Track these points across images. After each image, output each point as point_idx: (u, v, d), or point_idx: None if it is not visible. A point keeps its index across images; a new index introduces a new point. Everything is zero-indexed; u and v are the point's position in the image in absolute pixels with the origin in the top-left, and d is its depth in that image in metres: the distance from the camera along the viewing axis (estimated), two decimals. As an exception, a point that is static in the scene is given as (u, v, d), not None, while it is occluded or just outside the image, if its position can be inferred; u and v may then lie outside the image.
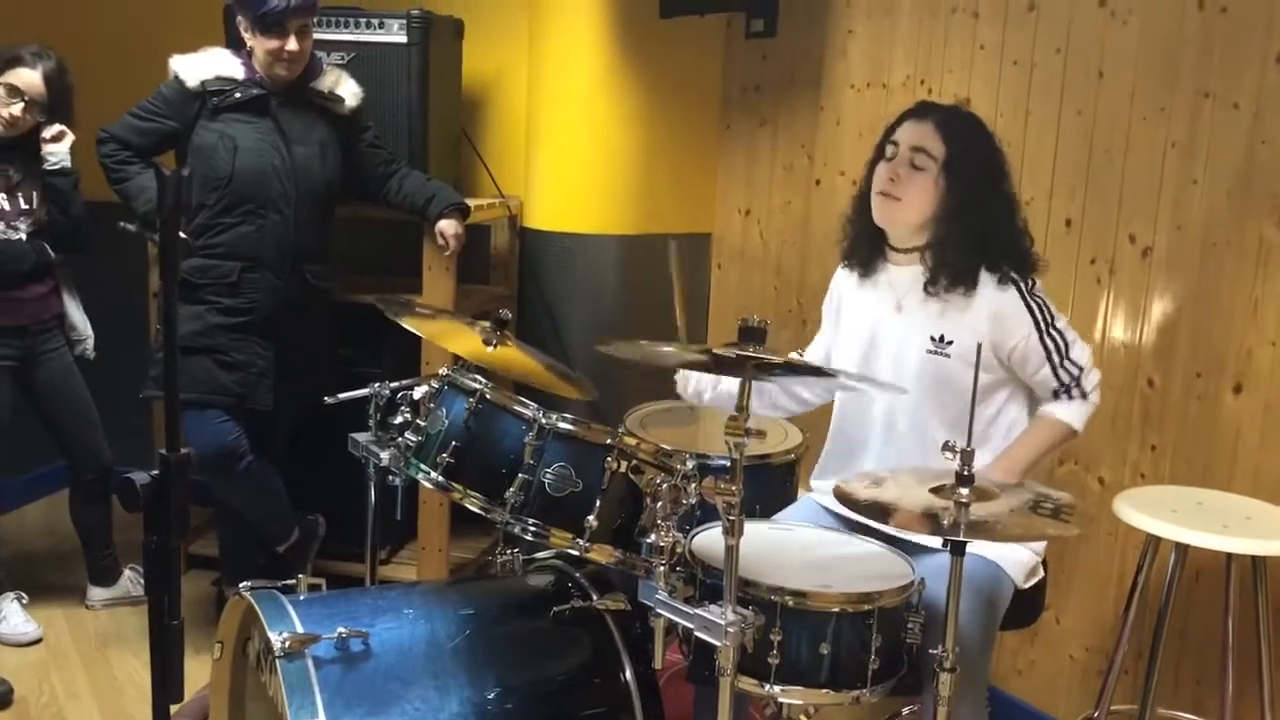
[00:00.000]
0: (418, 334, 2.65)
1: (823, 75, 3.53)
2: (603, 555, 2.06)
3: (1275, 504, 2.40)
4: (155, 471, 1.62)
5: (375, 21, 3.40)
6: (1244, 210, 2.51)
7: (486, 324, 2.49)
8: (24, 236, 3.21)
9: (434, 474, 2.11)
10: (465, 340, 2.51)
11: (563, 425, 2.06)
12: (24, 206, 3.21)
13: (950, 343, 2.29)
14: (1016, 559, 2.29)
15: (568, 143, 3.74)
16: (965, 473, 1.90)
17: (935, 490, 1.96)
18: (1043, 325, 2.29)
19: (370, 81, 3.30)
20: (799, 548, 2.22)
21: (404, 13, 3.39)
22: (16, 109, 3.11)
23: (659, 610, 1.92)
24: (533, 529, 2.05)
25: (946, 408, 2.30)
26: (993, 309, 2.28)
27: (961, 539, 1.84)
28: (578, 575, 2.37)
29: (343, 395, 2.56)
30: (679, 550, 1.99)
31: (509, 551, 2.49)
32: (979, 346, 2.06)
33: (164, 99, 3.08)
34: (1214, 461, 2.59)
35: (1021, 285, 2.29)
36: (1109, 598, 2.83)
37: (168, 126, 3.08)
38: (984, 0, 3.02)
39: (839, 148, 3.49)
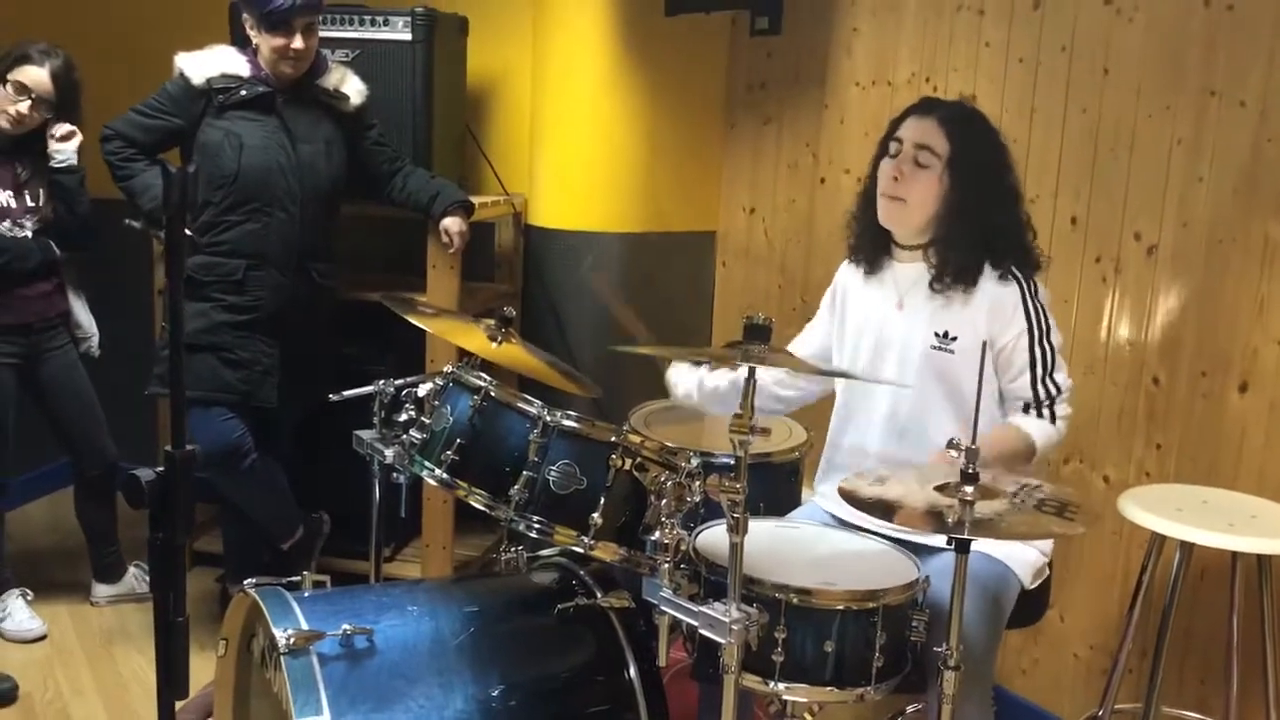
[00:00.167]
0: (422, 330, 2.64)
1: (827, 73, 3.53)
2: (607, 553, 2.06)
3: (1280, 503, 2.40)
4: (160, 468, 1.62)
5: (380, 19, 3.40)
6: (1250, 208, 2.51)
7: (491, 321, 2.50)
8: (30, 234, 3.21)
9: (438, 471, 2.11)
10: (469, 338, 2.51)
11: (567, 423, 2.06)
12: (30, 204, 3.22)
13: (954, 339, 2.29)
14: (1024, 559, 2.28)
15: (572, 140, 3.74)
16: (970, 470, 1.90)
17: (939, 488, 1.96)
18: (1037, 332, 2.26)
19: (375, 79, 3.30)
20: (803, 545, 2.22)
21: (409, 10, 3.39)
22: (24, 107, 3.12)
23: (663, 608, 1.92)
24: (537, 526, 2.05)
25: (949, 404, 2.30)
26: (992, 303, 2.27)
27: (966, 537, 1.84)
28: (582, 573, 2.37)
29: (347, 393, 2.56)
30: (683, 548, 1.99)
31: (513, 549, 2.49)
32: (984, 345, 2.05)
33: (169, 96, 3.08)
34: (1219, 460, 2.58)
35: (1024, 286, 2.28)
36: (1113, 596, 2.83)
37: (173, 124, 3.09)
38: (989, -2, 3.02)
39: (844, 146, 3.49)
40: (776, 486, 2.69)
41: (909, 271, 2.37)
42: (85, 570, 3.61)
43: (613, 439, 2.06)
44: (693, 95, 3.77)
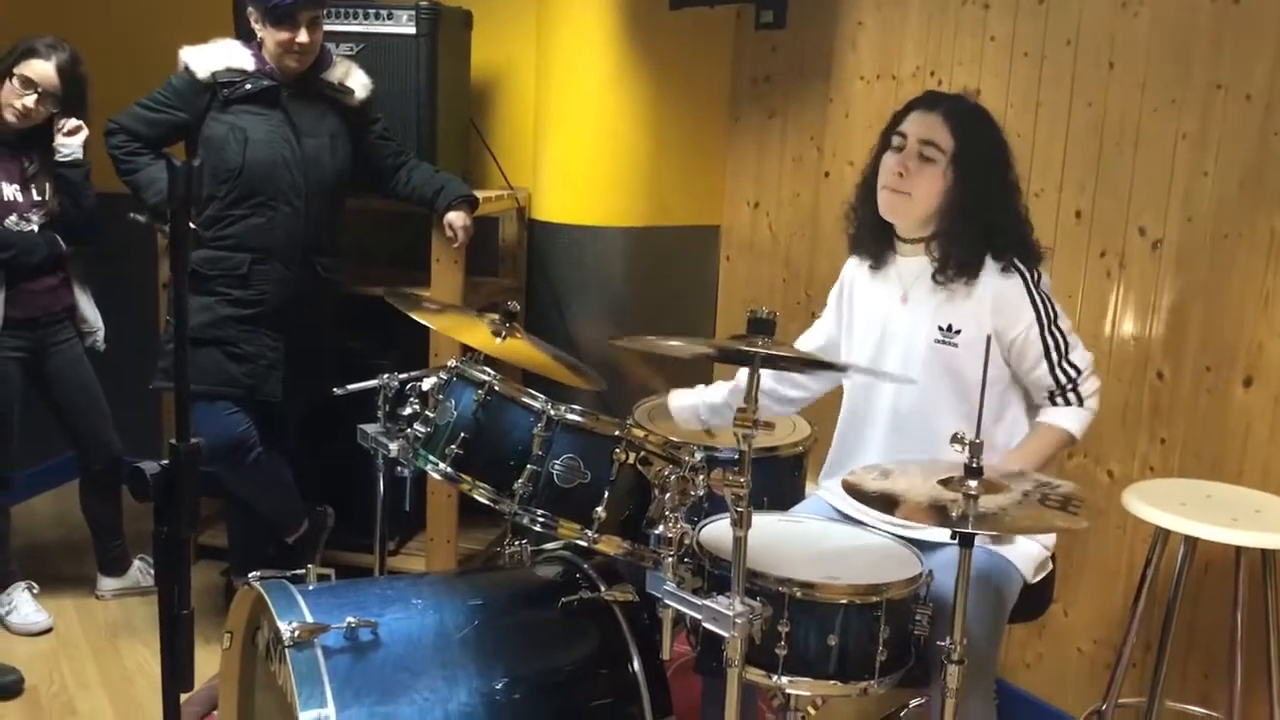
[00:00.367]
0: (427, 325, 2.65)
1: (832, 67, 3.52)
2: (611, 546, 2.06)
3: (1285, 497, 2.40)
4: (165, 461, 1.63)
5: (384, 13, 3.40)
6: (1256, 202, 2.50)
7: (495, 316, 2.50)
8: (36, 228, 3.22)
9: (442, 465, 2.11)
10: (474, 332, 2.51)
11: (571, 417, 2.06)
12: (37, 198, 3.23)
13: (958, 332, 2.28)
14: (1026, 553, 2.28)
15: (576, 134, 3.74)
16: (974, 465, 1.90)
17: (944, 482, 1.96)
18: (1045, 320, 2.27)
19: (379, 73, 3.30)
20: (807, 539, 2.22)
21: (413, 4, 3.39)
22: (30, 100, 3.12)
23: (667, 601, 1.93)
24: (541, 520, 2.05)
25: (954, 398, 2.29)
26: (996, 296, 2.26)
27: (970, 531, 1.84)
28: (586, 566, 2.37)
29: (352, 386, 2.56)
30: (687, 541, 1.99)
31: (517, 542, 2.49)
32: (989, 339, 2.05)
33: (174, 90, 3.08)
34: (1224, 455, 2.58)
35: (1027, 276, 2.28)
36: (1117, 591, 2.82)
37: (178, 118, 3.09)
38: (994, -9, 3.01)
39: (848, 140, 3.48)
40: (780, 480, 2.69)
41: (912, 265, 2.36)
42: (90, 564, 3.62)
43: (617, 433, 2.06)
44: (697, 89, 3.77)
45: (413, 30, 3.39)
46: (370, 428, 2.49)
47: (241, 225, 3.06)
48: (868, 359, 2.41)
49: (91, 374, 3.41)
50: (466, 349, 2.49)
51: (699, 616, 1.86)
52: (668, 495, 2.00)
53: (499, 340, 2.46)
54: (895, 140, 2.33)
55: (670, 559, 1.94)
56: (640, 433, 2.09)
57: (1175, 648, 2.54)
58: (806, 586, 1.93)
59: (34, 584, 3.45)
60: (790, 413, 2.74)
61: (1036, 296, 2.27)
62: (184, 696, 1.73)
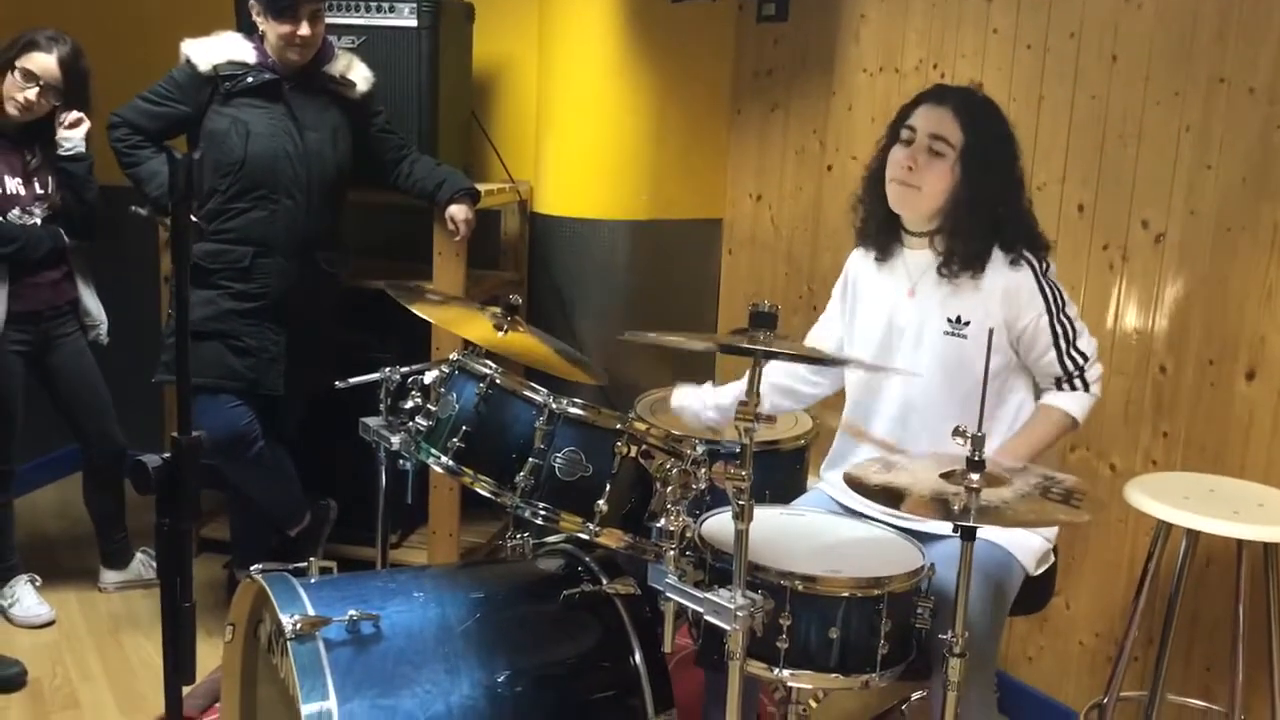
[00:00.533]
0: (428, 319, 2.65)
1: (834, 60, 3.52)
2: (612, 539, 2.06)
3: (1287, 491, 2.39)
4: (167, 454, 1.63)
5: (386, 5, 3.39)
6: (1258, 196, 2.50)
7: (497, 309, 2.50)
8: (39, 222, 3.22)
9: (444, 458, 2.11)
10: (475, 325, 2.51)
11: (573, 410, 2.06)
12: (39, 192, 3.23)
13: (967, 323, 2.29)
14: (1028, 545, 2.28)
15: (578, 127, 3.73)
16: (976, 458, 1.90)
17: (946, 475, 1.96)
18: (1054, 308, 2.28)
19: (380, 65, 3.30)
20: (809, 533, 2.22)
21: (415, -3, 3.39)
22: (32, 94, 3.12)
23: (668, 594, 1.93)
24: (543, 513, 2.05)
25: (963, 389, 2.29)
26: (1005, 288, 2.27)
27: (971, 524, 1.84)
28: (587, 559, 2.37)
29: (354, 380, 2.56)
30: (688, 535, 1.99)
31: (519, 535, 2.50)
32: (990, 331, 2.05)
33: (175, 83, 3.08)
34: (1226, 448, 2.58)
35: (1036, 266, 2.29)
36: (1119, 584, 2.82)
37: (179, 111, 3.08)
38: (997, -16, 3.00)
39: (851, 133, 3.48)
40: (782, 474, 2.70)
41: (919, 258, 2.36)
42: (93, 556, 3.62)
43: (618, 426, 2.06)
44: (699, 82, 3.77)
45: (414, 23, 3.39)
46: (372, 421, 2.49)
47: (243, 219, 3.06)
48: (873, 351, 2.41)
49: (94, 367, 3.41)
50: (468, 342, 2.49)
51: (700, 610, 1.87)
52: (669, 489, 2.01)
53: (501, 334, 2.46)
54: (904, 134, 2.32)
55: (672, 552, 1.94)
56: (642, 426, 2.09)
57: (1177, 641, 2.54)
58: (808, 580, 1.94)
59: (36, 577, 3.45)
60: (799, 409, 2.74)
61: (1046, 285, 2.29)
62: (186, 689, 1.74)
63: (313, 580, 2.18)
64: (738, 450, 1.85)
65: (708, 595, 1.85)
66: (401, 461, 2.44)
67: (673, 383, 2.76)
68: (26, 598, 3.38)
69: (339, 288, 3.30)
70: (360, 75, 3.21)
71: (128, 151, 3.07)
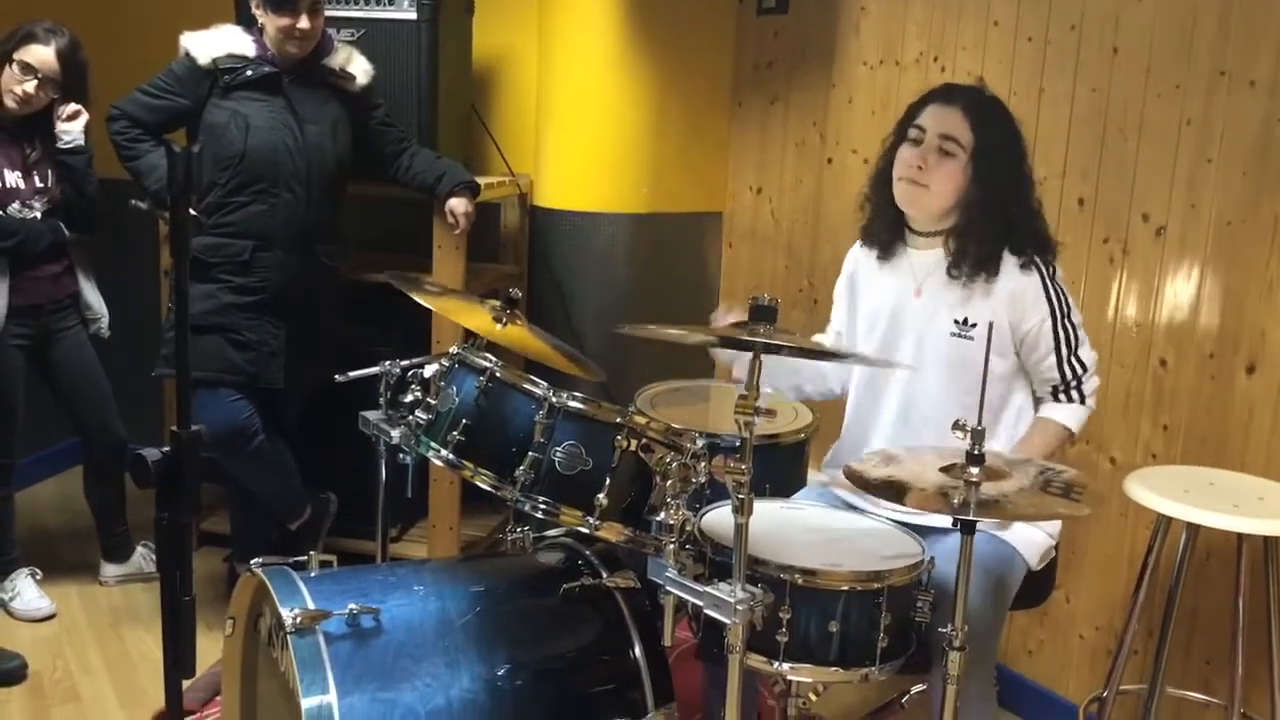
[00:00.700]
0: (428, 312, 2.64)
1: (835, 52, 3.51)
2: (612, 533, 2.06)
3: (1287, 484, 2.39)
4: (167, 448, 1.63)
5: (385, -2, 3.39)
6: (1259, 189, 2.49)
7: (496, 303, 2.49)
8: (39, 215, 3.21)
9: (444, 452, 2.11)
10: (475, 319, 2.51)
11: (573, 404, 2.06)
12: (39, 185, 3.22)
13: (974, 325, 2.28)
14: (1030, 540, 2.28)
15: (578, 120, 3.73)
16: (976, 452, 1.90)
17: (946, 469, 1.96)
18: (1059, 314, 2.29)
19: (380, 58, 3.29)
20: (808, 526, 2.22)
21: (415, -11, 3.38)
22: (30, 86, 3.11)
23: (668, 588, 1.93)
24: (543, 507, 2.05)
25: (968, 391, 2.29)
26: (1013, 291, 2.27)
27: (971, 518, 1.84)
28: (587, 553, 2.37)
29: (353, 373, 2.56)
30: (688, 528, 1.99)
31: (519, 529, 2.49)
32: (990, 326, 2.05)
33: (175, 76, 3.07)
34: (1226, 442, 2.58)
35: (1044, 271, 2.29)
36: (1119, 578, 2.83)
37: (179, 104, 3.08)
38: (998, -23, 3.00)
39: (851, 126, 3.47)
40: (782, 468, 2.69)
41: (926, 258, 2.36)
42: (94, 550, 3.62)
43: (618, 420, 2.06)
44: (699, 74, 3.76)
45: (414, 16, 3.38)
46: (372, 414, 2.49)
47: (243, 212, 3.05)
48: (874, 349, 2.41)
49: (95, 361, 3.41)
50: (468, 336, 2.49)
51: (700, 603, 1.87)
52: (669, 482, 2.00)
53: (500, 327, 2.46)
54: (912, 133, 2.32)
55: (672, 546, 1.94)
56: (642, 420, 2.09)
57: (1177, 634, 2.54)
58: (808, 573, 1.93)
59: (37, 570, 3.45)
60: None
61: (1053, 291, 2.29)
62: (186, 682, 1.74)
63: (313, 574, 2.18)
64: (737, 444, 1.85)
65: (707, 589, 1.85)
66: (401, 455, 2.44)
67: (673, 376, 2.76)
68: (27, 591, 3.38)
69: (339, 281, 3.30)
70: (360, 68, 3.20)
71: (127, 145, 3.07)
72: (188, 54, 3.05)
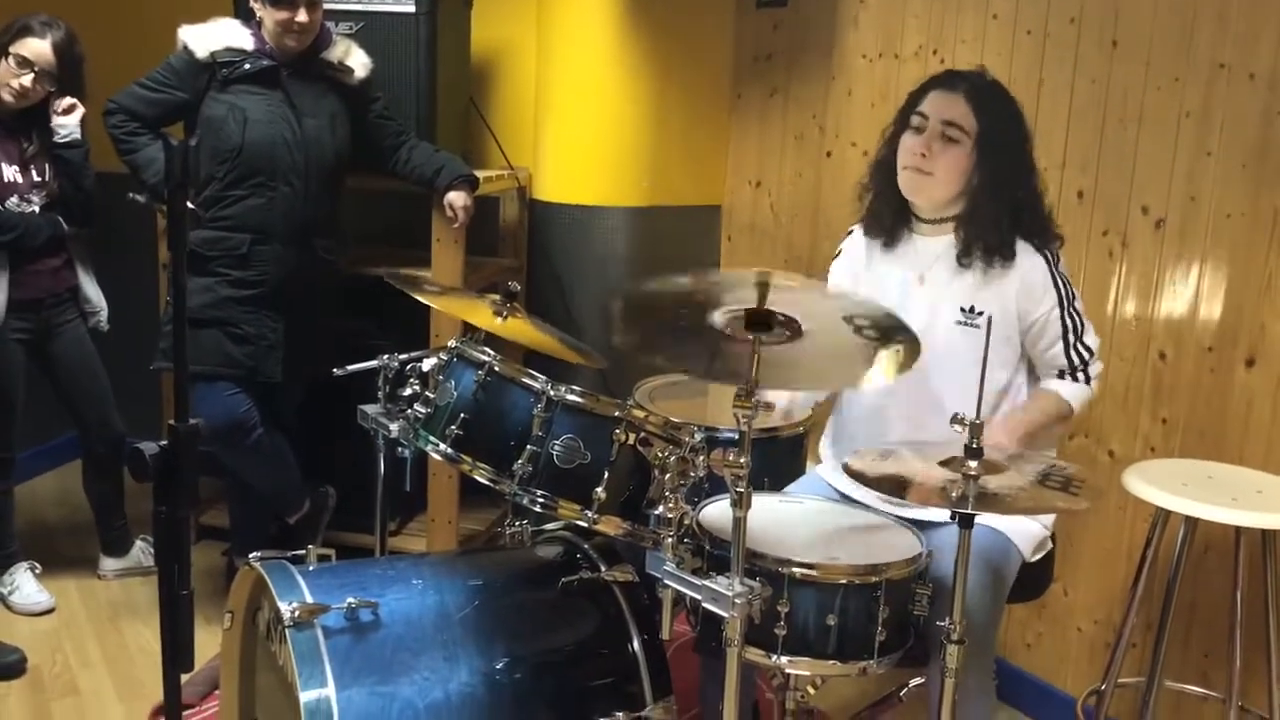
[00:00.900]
0: (427, 305, 2.64)
1: (834, 45, 3.50)
2: (611, 527, 2.06)
3: (1286, 478, 2.39)
4: (165, 442, 1.62)
5: (384, -9, 3.38)
6: (1259, 182, 2.49)
7: (496, 296, 2.49)
8: (37, 209, 3.21)
9: (443, 445, 2.11)
10: (474, 312, 2.50)
11: (571, 397, 2.06)
12: (37, 179, 3.22)
13: (981, 314, 2.27)
14: (1026, 531, 2.28)
15: (577, 113, 3.72)
16: (974, 445, 1.90)
17: (945, 463, 1.96)
18: (1065, 302, 2.28)
19: (378, 51, 3.28)
20: (806, 520, 2.22)
21: (413, -18, 3.37)
22: (26, 80, 3.10)
23: (666, 581, 1.93)
24: (541, 500, 2.05)
25: (970, 379, 2.28)
26: (1022, 279, 2.26)
27: (970, 511, 1.84)
28: (586, 546, 2.37)
29: (352, 367, 2.56)
30: (686, 522, 1.99)
31: (517, 523, 2.49)
32: (989, 319, 2.05)
33: (173, 70, 3.07)
34: (1225, 435, 2.58)
35: (1049, 258, 2.28)
36: (1118, 571, 2.83)
37: (177, 98, 3.07)
38: (997, -31, 2.99)
39: (850, 118, 3.47)
40: (780, 461, 2.69)
41: (931, 246, 2.35)
42: (92, 544, 3.62)
43: (617, 414, 2.06)
44: (699, 67, 3.75)
45: (412, 9, 3.37)
46: (370, 408, 2.49)
47: (241, 206, 3.05)
48: None
49: (94, 354, 3.41)
50: (467, 329, 2.49)
51: (698, 597, 1.87)
52: (667, 476, 2.01)
53: (499, 320, 2.46)
54: (915, 120, 2.30)
55: (670, 539, 1.94)
56: (640, 413, 2.09)
57: (1175, 628, 2.54)
58: (806, 567, 1.94)
59: (36, 564, 3.46)
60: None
61: (1058, 278, 2.28)
62: (185, 676, 1.74)
63: (311, 568, 2.18)
64: (736, 437, 1.85)
65: (706, 582, 1.85)
66: (400, 449, 2.44)
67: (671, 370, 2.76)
68: (26, 585, 3.38)
69: (337, 275, 3.30)
70: (358, 61, 3.20)
71: (125, 138, 3.06)
72: (185, 47, 3.04)
